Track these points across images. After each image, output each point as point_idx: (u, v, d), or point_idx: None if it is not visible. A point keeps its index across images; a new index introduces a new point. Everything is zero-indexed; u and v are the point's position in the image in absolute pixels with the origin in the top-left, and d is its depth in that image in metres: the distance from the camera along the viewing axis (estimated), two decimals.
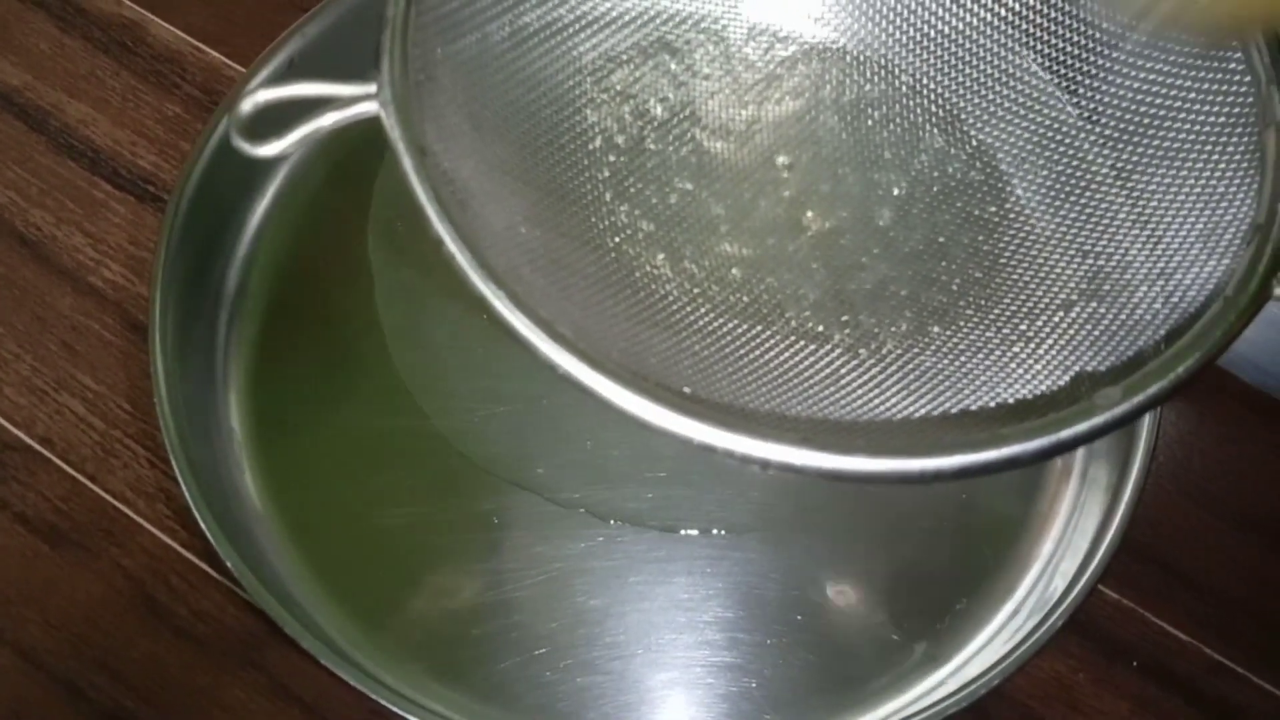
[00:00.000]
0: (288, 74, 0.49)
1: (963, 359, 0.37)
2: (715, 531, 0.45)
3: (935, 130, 0.42)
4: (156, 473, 0.47)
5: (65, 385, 0.49)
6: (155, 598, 0.45)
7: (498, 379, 0.47)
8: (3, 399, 0.48)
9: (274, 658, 0.44)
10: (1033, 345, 0.37)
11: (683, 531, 0.45)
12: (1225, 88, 0.35)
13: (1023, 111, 0.41)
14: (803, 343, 0.38)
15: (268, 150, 0.34)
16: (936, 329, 0.38)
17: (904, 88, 0.43)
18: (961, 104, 0.42)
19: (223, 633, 0.45)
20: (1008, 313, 0.38)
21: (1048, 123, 0.41)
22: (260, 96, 0.34)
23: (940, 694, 0.41)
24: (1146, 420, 0.42)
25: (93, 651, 0.44)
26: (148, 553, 0.46)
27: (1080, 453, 0.46)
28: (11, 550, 0.46)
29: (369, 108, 0.33)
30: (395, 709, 0.40)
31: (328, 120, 0.34)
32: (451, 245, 0.32)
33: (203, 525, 0.41)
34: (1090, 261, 0.38)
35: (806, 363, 0.38)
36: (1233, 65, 0.35)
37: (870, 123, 0.43)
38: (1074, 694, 0.44)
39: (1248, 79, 0.35)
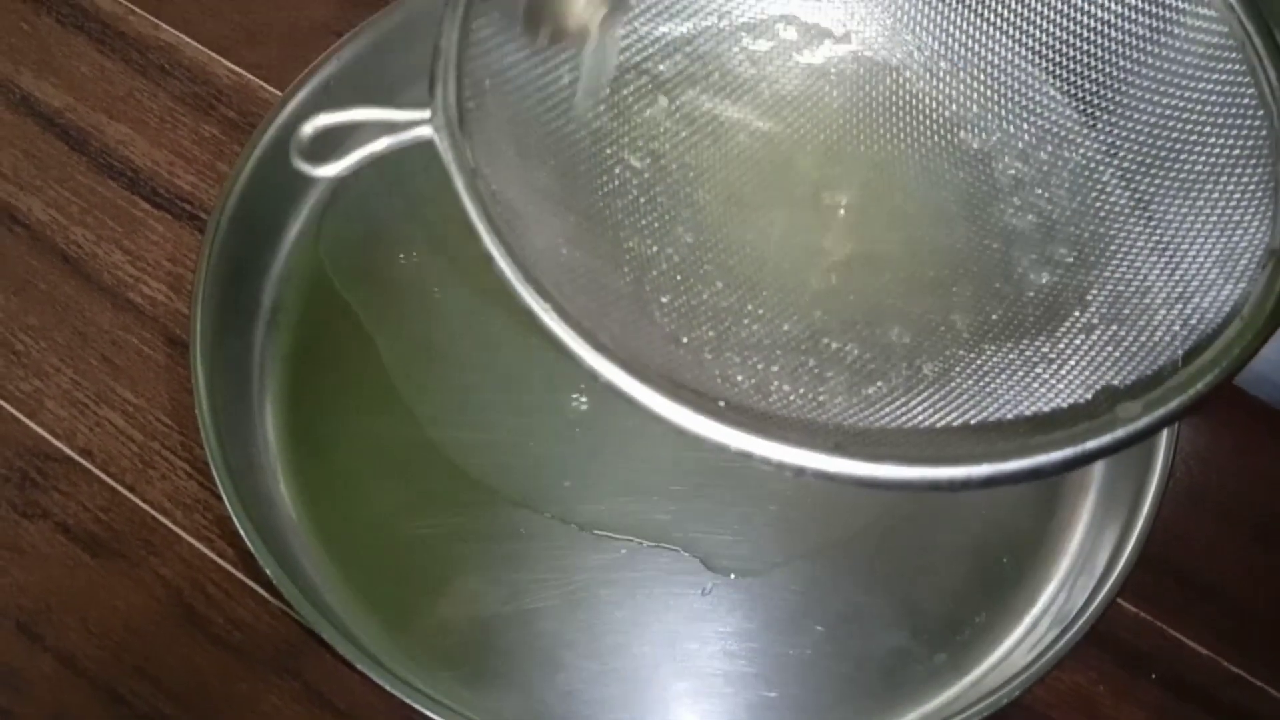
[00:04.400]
0: (324, 96, 0.50)
1: (987, 379, 0.38)
2: (732, 575, 0.46)
3: (959, 160, 0.43)
4: (194, 484, 0.48)
5: (105, 398, 0.50)
6: (193, 606, 0.46)
7: (487, 397, 0.49)
8: (44, 412, 0.49)
9: (309, 665, 0.45)
10: (1055, 366, 0.38)
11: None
12: (1240, 120, 0.37)
13: (1045, 143, 0.42)
14: (833, 366, 0.39)
15: (327, 171, 0.36)
16: (961, 352, 0.40)
17: (930, 118, 0.44)
18: (987, 135, 0.44)
19: (258, 640, 0.46)
20: (1029, 335, 0.39)
21: (1069, 153, 0.42)
22: (321, 121, 0.36)
23: (961, 704, 0.42)
24: (1164, 436, 0.44)
25: (132, 658, 0.45)
26: (185, 562, 0.47)
27: (1099, 468, 0.47)
28: (53, 559, 0.47)
29: (423, 132, 0.35)
30: (429, 713, 0.41)
31: (384, 143, 0.36)
32: (500, 261, 0.33)
33: (243, 534, 0.42)
34: (1111, 287, 0.39)
35: (836, 384, 0.39)
36: (1246, 100, 0.36)
37: (896, 152, 0.44)
38: (1094, 705, 0.45)
39: (1260, 112, 0.36)
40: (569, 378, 0.48)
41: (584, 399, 0.47)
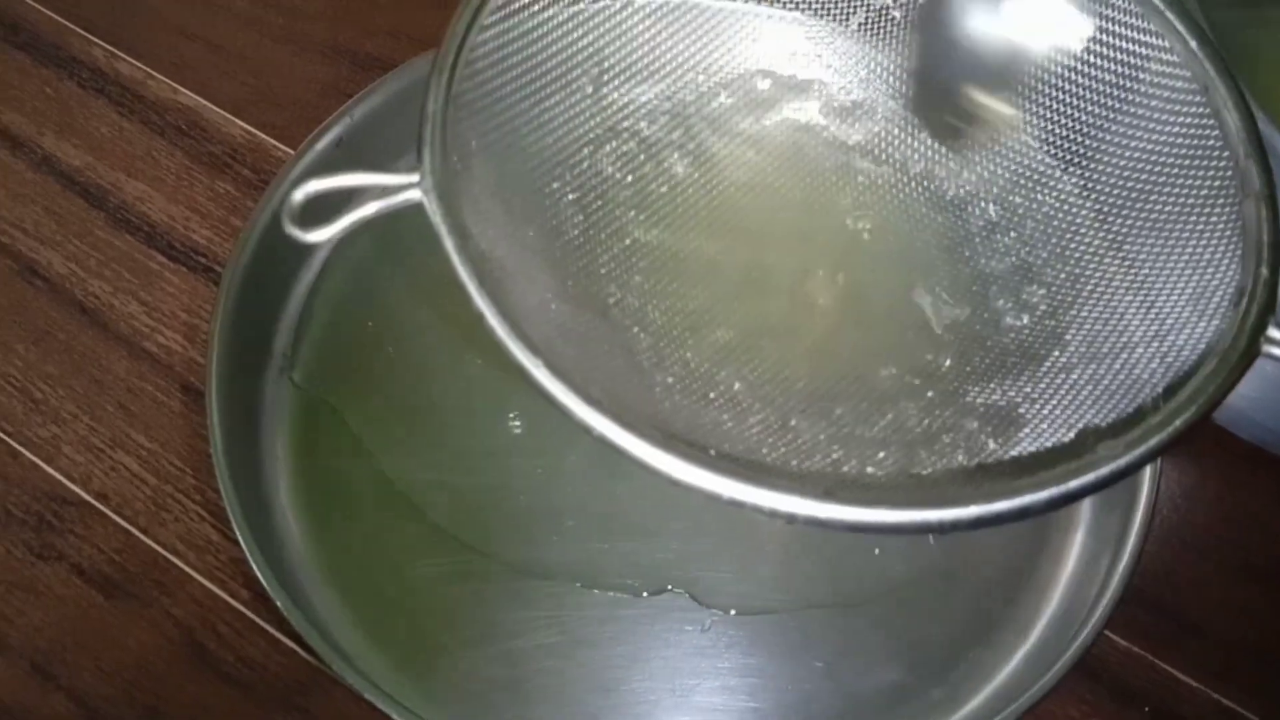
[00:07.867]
0: (335, 155, 0.52)
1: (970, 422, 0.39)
2: (732, 612, 0.47)
3: (936, 206, 0.45)
4: (206, 525, 0.49)
5: (120, 444, 0.51)
6: (204, 645, 0.47)
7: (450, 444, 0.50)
8: (61, 457, 0.51)
9: (318, 702, 0.46)
10: (1037, 406, 0.39)
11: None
12: (1206, 162, 0.38)
13: (1020, 187, 0.44)
14: (821, 419, 0.40)
15: (317, 236, 0.36)
16: (945, 396, 0.41)
17: (907, 166, 0.46)
18: (962, 181, 0.45)
19: (268, 679, 0.47)
20: (1012, 376, 0.40)
21: (1043, 197, 0.43)
22: (311, 187, 0.36)
23: None
24: (1147, 473, 0.45)
25: (144, 697, 0.46)
26: (197, 602, 0.48)
27: (1086, 507, 0.48)
28: (68, 601, 0.48)
29: (412, 195, 0.35)
30: None
31: (372, 209, 0.36)
32: (491, 319, 0.34)
33: (256, 572, 0.43)
34: (1088, 327, 0.40)
35: (825, 434, 0.40)
36: (1211, 142, 0.37)
37: (876, 200, 0.45)
38: None
39: (1225, 154, 0.37)
40: (502, 402, 0.50)
41: (518, 422, 0.49)
